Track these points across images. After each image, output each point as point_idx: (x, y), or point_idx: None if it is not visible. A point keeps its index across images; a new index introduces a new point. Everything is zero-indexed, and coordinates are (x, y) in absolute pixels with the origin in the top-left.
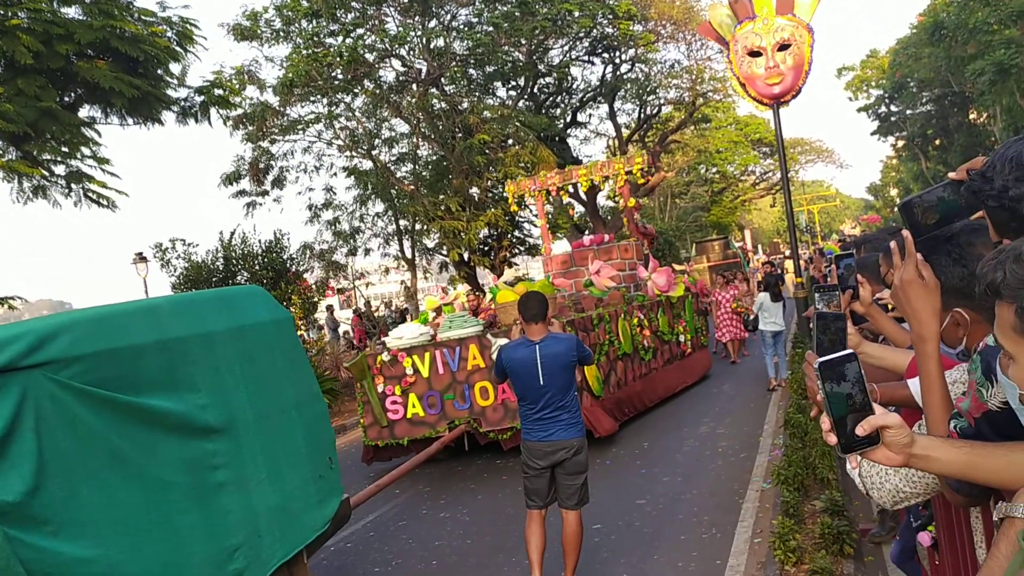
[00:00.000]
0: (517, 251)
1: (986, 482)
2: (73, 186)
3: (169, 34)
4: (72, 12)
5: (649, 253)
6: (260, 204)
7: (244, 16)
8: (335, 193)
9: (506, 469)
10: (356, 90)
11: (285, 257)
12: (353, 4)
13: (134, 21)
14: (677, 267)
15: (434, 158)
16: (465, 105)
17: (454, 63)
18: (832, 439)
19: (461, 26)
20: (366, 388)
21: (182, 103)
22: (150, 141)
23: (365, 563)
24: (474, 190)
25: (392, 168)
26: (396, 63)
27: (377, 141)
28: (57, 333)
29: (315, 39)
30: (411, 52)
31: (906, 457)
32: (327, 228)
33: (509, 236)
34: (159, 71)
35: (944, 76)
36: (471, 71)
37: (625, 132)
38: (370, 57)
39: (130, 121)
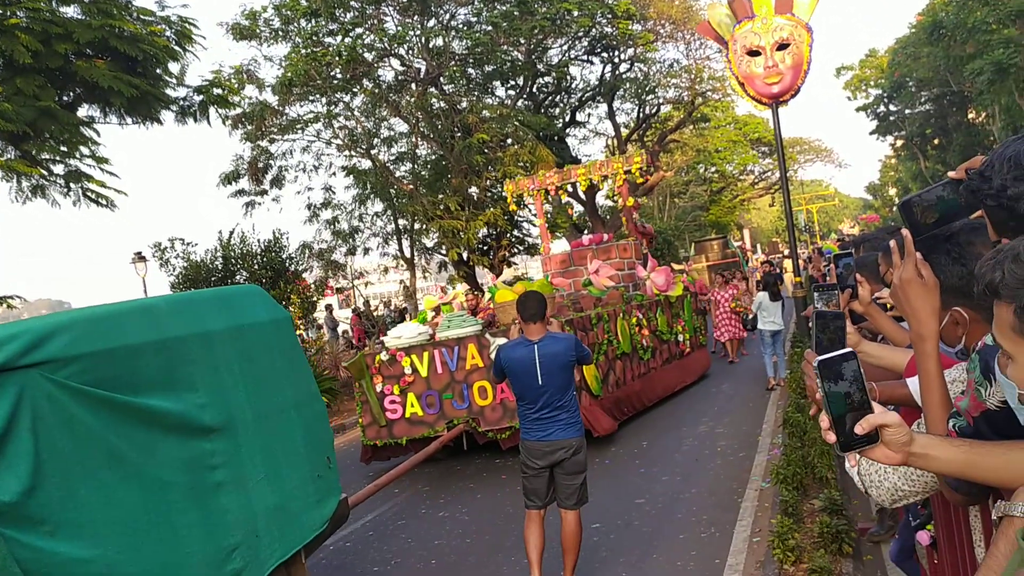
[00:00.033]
0: (516, 250)
1: (985, 481)
2: (72, 185)
3: (168, 33)
4: (71, 11)
5: (648, 252)
6: (259, 203)
7: (243, 15)
8: (334, 192)
9: (505, 468)
10: (355, 89)
11: (284, 256)
12: (352, 3)
13: (133, 20)
14: (676, 266)
15: (433, 157)
16: (464, 104)
17: (453, 62)
18: (831, 437)
19: (460, 25)
20: (365, 387)
21: (181, 102)
22: (149, 140)
23: (364, 562)
24: (473, 189)
25: (391, 167)
26: (395, 62)
27: (376, 140)
28: (54, 332)
29: (314, 38)
30: (410, 51)
31: (905, 456)
32: (326, 227)
33: (508, 235)
34: (158, 70)
35: (943, 75)
36: (470, 70)
37: (624, 131)
38: (369, 56)
39: (129, 120)
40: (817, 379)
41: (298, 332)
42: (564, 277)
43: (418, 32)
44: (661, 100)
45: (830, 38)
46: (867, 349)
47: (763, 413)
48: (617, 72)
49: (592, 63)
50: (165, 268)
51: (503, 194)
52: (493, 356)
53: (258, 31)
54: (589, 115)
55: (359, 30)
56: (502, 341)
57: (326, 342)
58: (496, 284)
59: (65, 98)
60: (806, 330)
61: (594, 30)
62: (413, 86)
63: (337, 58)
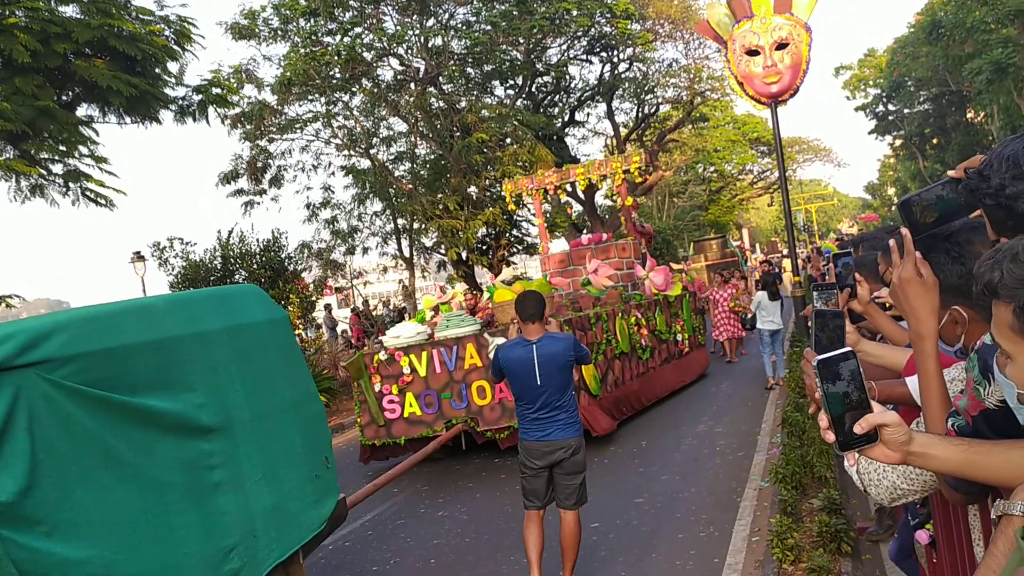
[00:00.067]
0: (515, 250)
1: (984, 480)
2: (71, 185)
3: (167, 33)
4: (70, 11)
5: (647, 252)
6: (258, 203)
7: (242, 15)
8: (333, 192)
9: (504, 468)
10: (354, 89)
11: (283, 256)
12: (351, 3)
13: (132, 20)
14: (675, 266)
15: (432, 157)
16: (463, 104)
17: (452, 62)
18: (830, 437)
19: (459, 25)
20: (363, 387)
21: (180, 102)
22: (148, 140)
23: (363, 562)
24: (472, 189)
25: (390, 167)
26: (394, 62)
27: (375, 140)
28: (51, 332)
29: (313, 38)
30: (409, 51)
31: (904, 455)
32: (325, 227)
33: (507, 235)
34: (157, 70)
35: (942, 75)
36: (469, 70)
37: (623, 131)
38: (368, 56)
39: (128, 120)
40: (816, 378)
41: (297, 332)
42: (563, 277)
43: (417, 31)
44: (660, 100)
45: (829, 38)
46: (866, 348)
47: (762, 412)
48: (616, 72)
49: (591, 63)
50: (164, 268)
51: (502, 194)
52: (492, 356)
53: (257, 30)
54: (588, 115)
55: (358, 29)
56: (501, 341)
57: (325, 342)
58: (495, 284)
59: (64, 97)
60: (805, 329)
61: (593, 29)
62: (412, 85)
63: (336, 57)
